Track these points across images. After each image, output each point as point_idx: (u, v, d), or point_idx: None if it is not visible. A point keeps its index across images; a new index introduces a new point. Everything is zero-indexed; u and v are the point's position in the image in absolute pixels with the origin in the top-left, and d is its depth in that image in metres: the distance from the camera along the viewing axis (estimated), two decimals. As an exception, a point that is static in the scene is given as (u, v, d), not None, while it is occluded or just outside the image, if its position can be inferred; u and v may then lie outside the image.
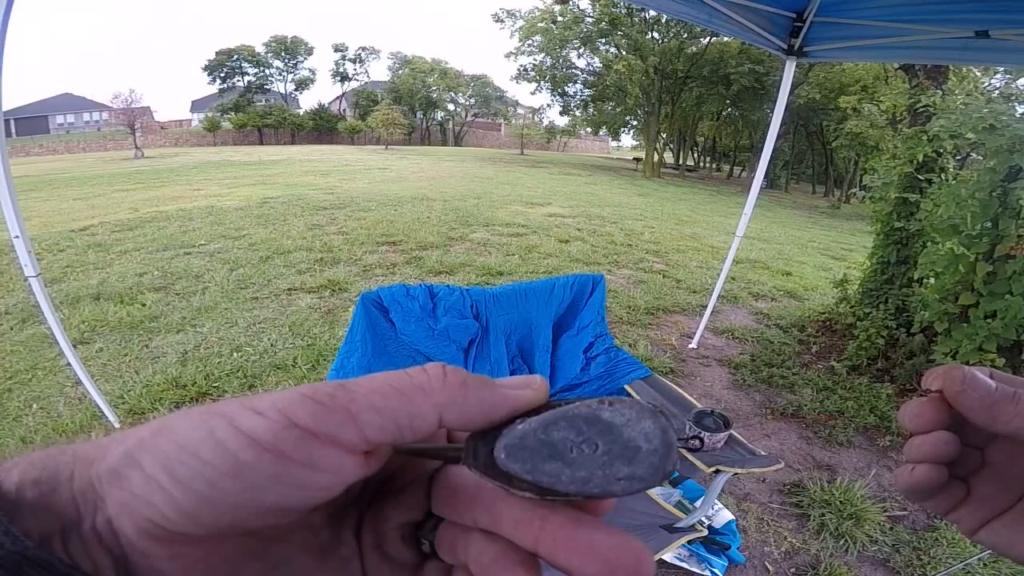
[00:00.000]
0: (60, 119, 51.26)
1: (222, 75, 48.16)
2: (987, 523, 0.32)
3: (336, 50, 52.88)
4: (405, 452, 0.23)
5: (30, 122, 48.40)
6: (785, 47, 3.03)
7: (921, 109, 3.88)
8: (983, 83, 14.69)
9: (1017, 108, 3.09)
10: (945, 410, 0.30)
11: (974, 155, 3.46)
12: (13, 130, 45.31)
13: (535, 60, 29.34)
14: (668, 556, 1.70)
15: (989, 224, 2.71)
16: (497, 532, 0.20)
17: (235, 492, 0.16)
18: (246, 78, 49.05)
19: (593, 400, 0.19)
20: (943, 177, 3.40)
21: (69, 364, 2.26)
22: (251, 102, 47.89)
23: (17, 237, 1.85)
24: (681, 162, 35.29)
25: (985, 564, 1.90)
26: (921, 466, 0.31)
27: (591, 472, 0.18)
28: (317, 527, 0.22)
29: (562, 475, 0.18)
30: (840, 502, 2.13)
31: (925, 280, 3.32)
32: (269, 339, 3.30)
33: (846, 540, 1.98)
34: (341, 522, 0.23)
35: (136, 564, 0.17)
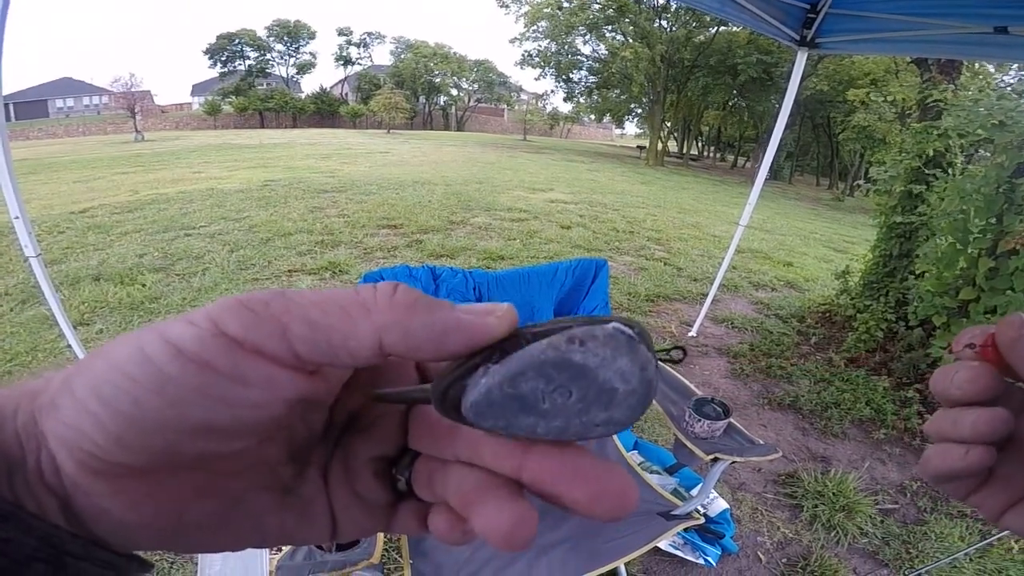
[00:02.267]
0: (60, 103, 51.00)
1: (223, 59, 47.74)
2: (1013, 506, 0.29)
3: (340, 34, 52.34)
4: (378, 399, 0.22)
5: (30, 106, 48.17)
6: (797, 38, 2.99)
7: (932, 104, 3.84)
8: (996, 79, 14.53)
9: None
10: (998, 375, 0.27)
11: (982, 151, 3.43)
12: (12, 114, 45.02)
13: (540, 46, 29.06)
14: (663, 544, 1.72)
15: (993, 220, 2.70)
16: (478, 463, 0.19)
17: (159, 408, 0.15)
18: (247, 62, 48.61)
19: (561, 338, 0.17)
20: (950, 172, 3.38)
21: (69, 345, 2.27)
22: (252, 86, 47.57)
23: (17, 218, 1.85)
24: (685, 151, 35.06)
25: (971, 559, 1.92)
26: (978, 448, 0.27)
27: (567, 421, 0.17)
28: (276, 464, 0.20)
29: (537, 427, 0.17)
30: (833, 494, 2.15)
31: (928, 273, 3.32)
32: (269, 322, 3.30)
33: (837, 532, 2.00)
34: (306, 460, 0.21)
35: (80, 503, 0.17)
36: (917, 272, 3.21)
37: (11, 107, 45.50)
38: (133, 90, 34.24)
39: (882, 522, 2.09)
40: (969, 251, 2.75)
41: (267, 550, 1.06)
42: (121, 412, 0.15)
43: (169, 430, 0.16)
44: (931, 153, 3.38)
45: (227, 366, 0.16)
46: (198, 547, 0.20)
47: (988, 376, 0.27)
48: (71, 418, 0.16)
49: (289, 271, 4.24)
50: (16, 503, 0.16)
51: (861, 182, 4.09)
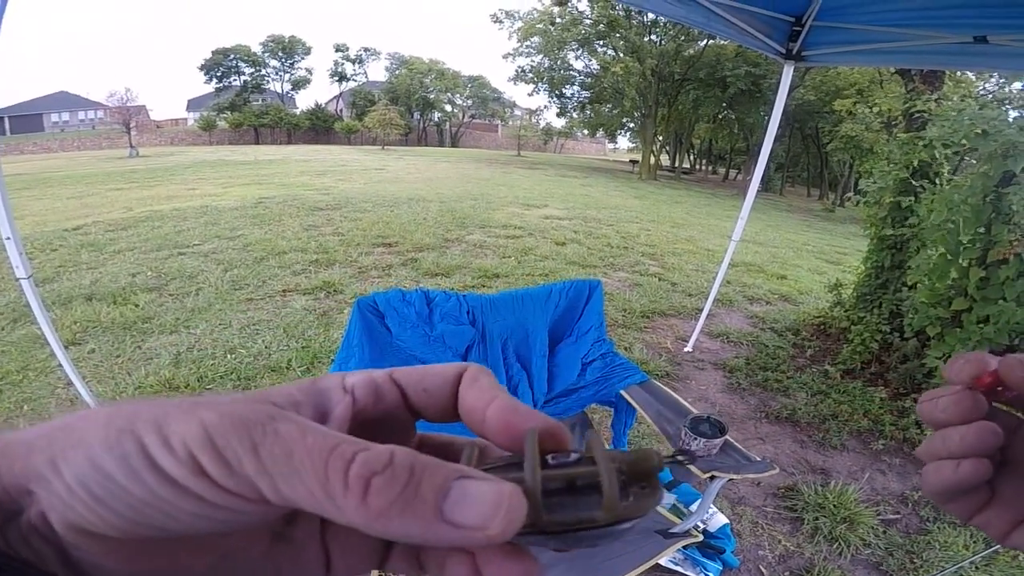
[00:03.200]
0: (55, 117, 51.06)
1: (218, 74, 48.07)
2: (1019, 524, 0.29)
3: (337, 50, 52.84)
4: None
5: (25, 120, 48.23)
6: (783, 51, 3.04)
7: (916, 115, 3.90)
8: (977, 87, 14.83)
9: (1010, 113, 3.10)
10: (983, 401, 0.28)
11: (968, 159, 3.49)
12: (7, 128, 45.15)
13: (533, 61, 29.50)
14: (663, 560, 1.70)
15: (982, 229, 2.72)
16: None
17: (158, 518, 0.16)
18: (242, 77, 48.95)
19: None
20: (938, 182, 3.42)
21: (61, 365, 2.24)
22: (247, 101, 47.85)
23: (8, 239, 1.84)
24: (677, 164, 35.40)
25: (977, 567, 1.91)
26: (968, 461, 0.28)
27: None
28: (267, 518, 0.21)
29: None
30: (834, 506, 2.14)
31: (920, 284, 3.34)
32: (263, 341, 3.28)
33: (840, 544, 1.98)
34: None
35: (74, 555, 0.17)
36: (910, 283, 3.24)
37: (6, 120, 45.67)
38: (128, 105, 34.34)
39: (885, 532, 2.08)
40: (960, 262, 2.78)
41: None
42: (117, 511, 0.16)
43: (169, 532, 0.17)
44: (917, 164, 3.43)
45: (216, 499, 0.16)
46: None
47: (970, 399, 0.28)
48: (65, 497, 0.16)
49: (283, 291, 4.22)
50: (10, 554, 0.16)
51: (851, 194, 4.15)
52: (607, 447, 0.20)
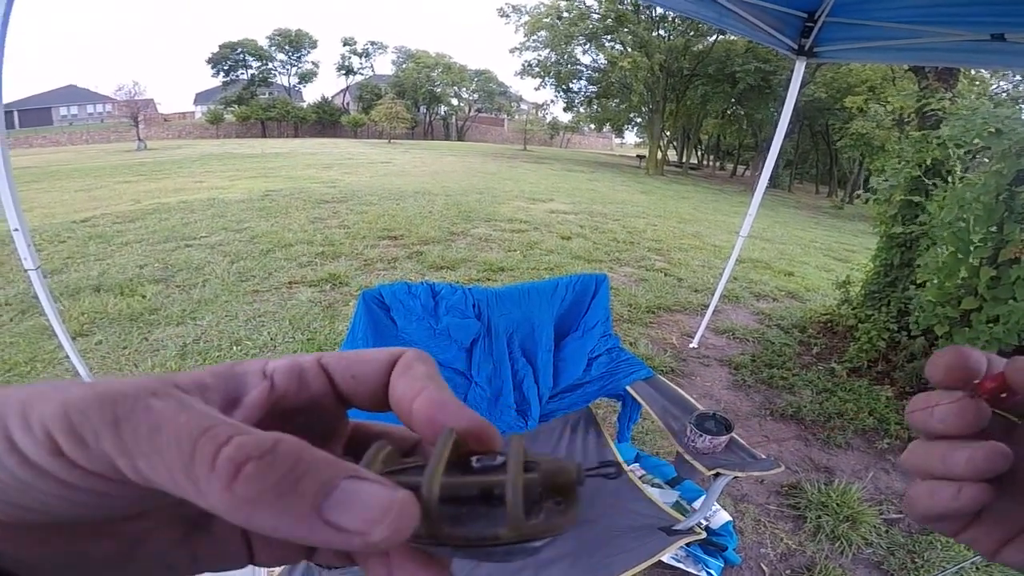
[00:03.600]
0: (64, 111, 51.47)
1: (226, 68, 48.17)
2: (1011, 540, 0.26)
3: (344, 44, 52.81)
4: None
5: (34, 114, 48.58)
6: (795, 47, 3.00)
7: (930, 113, 3.85)
8: (992, 85, 14.63)
9: (1024, 111, 3.06)
10: (987, 410, 0.25)
11: (980, 157, 3.44)
12: (17, 122, 45.48)
13: (540, 56, 29.31)
14: (665, 557, 1.70)
15: (994, 228, 2.69)
16: None
17: (27, 503, 0.15)
18: (249, 71, 49.02)
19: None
20: (950, 181, 3.38)
21: (68, 356, 2.26)
22: (254, 95, 47.97)
23: (16, 230, 1.85)
24: (685, 160, 35.20)
25: (978, 568, 1.90)
26: (971, 486, 0.24)
27: None
28: (173, 507, 0.19)
29: None
30: (837, 504, 2.13)
31: (928, 283, 3.32)
32: (269, 333, 3.30)
33: (842, 542, 1.98)
34: None
35: None
36: (918, 282, 3.21)
37: (16, 114, 45.98)
38: (136, 98, 34.58)
39: (887, 532, 2.07)
40: (970, 260, 2.75)
41: (263, 569, 1.07)
42: None
43: (46, 516, 0.16)
44: (930, 162, 3.39)
45: (76, 480, 0.15)
46: None
47: (973, 408, 0.25)
48: None
49: (289, 283, 4.23)
50: None
51: (861, 192, 4.08)
52: (530, 451, 0.19)
